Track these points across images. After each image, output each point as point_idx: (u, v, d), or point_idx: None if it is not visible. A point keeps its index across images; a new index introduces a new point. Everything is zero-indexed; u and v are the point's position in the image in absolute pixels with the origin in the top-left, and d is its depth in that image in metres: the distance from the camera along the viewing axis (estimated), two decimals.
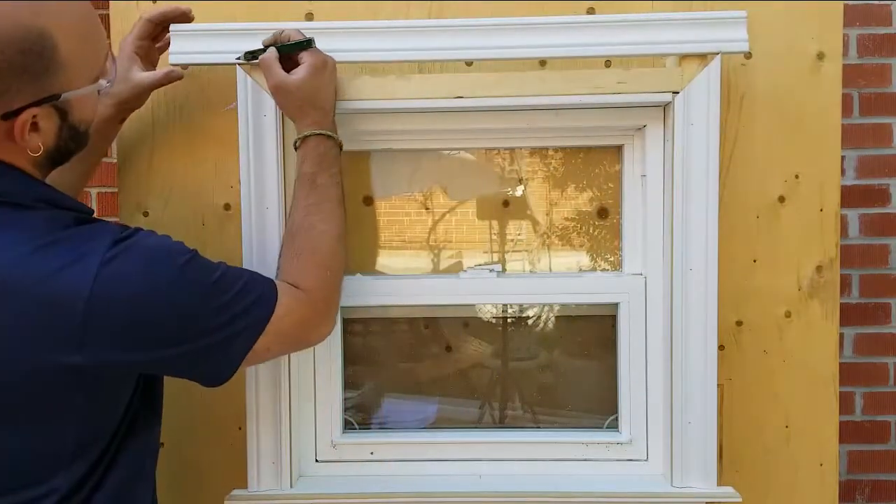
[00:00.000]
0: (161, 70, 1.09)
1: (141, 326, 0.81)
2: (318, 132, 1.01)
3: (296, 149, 1.03)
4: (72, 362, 0.78)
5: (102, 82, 0.85)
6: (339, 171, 1.03)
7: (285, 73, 1.00)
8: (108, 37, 1.19)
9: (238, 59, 1.06)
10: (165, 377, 0.96)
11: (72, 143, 0.86)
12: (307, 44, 1.02)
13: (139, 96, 1.10)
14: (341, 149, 1.05)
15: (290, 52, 1.02)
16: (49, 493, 0.81)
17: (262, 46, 1.03)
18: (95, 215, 0.89)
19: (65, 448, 0.82)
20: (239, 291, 0.89)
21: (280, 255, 1.01)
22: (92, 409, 0.82)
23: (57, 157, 0.86)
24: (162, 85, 1.10)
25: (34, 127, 0.80)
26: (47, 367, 0.78)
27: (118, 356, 0.80)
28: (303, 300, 0.95)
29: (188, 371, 0.90)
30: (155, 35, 1.12)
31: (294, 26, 1.05)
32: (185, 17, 1.12)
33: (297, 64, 1.02)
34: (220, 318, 0.86)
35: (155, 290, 0.81)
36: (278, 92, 1.01)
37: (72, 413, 0.81)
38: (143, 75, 1.08)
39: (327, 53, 1.04)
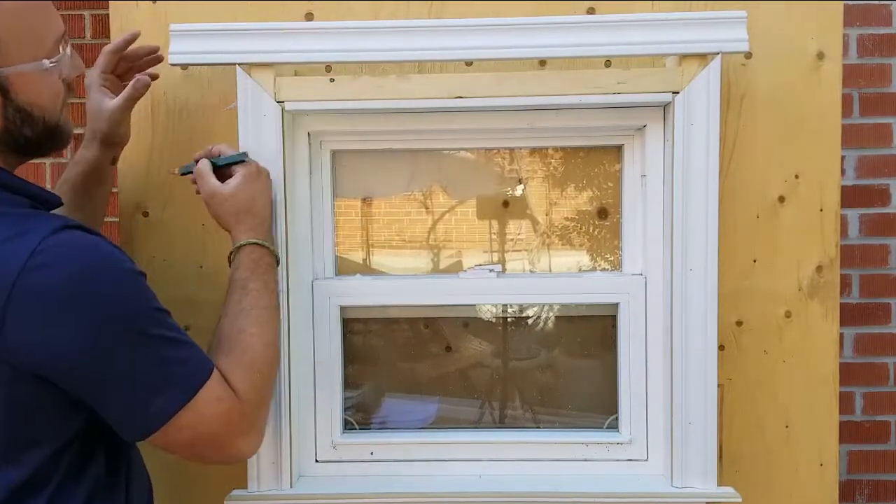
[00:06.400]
0: (126, 89, 1.06)
1: (66, 316, 0.75)
2: (252, 241, 0.99)
3: (230, 260, 1.00)
4: None
5: (45, 62, 0.83)
6: (272, 280, 1.00)
7: (219, 182, 1.00)
8: (108, 37, 1.20)
9: (173, 172, 1.06)
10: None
11: (26, 128, 0.84)
12: (241, 157, 1.01)
13: (117, 125, 1.07)
14: (278, 262, 1.04)
15: (224, 165, 1.02)
16: None
17: (189, 164, 1.03)
18: None
19: None
20: (179, 340, 0.83)
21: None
22: (17, 410, 0.78)
23: (12, 141, 0.84)
24: (135, 99, 1.06)
25: None
26: None
27: (33, 349, 0.75)
28: (232, 396, 0.87)
29: (101, 403, 0.81)
30: (120, 72, 1.10)
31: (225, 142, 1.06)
32: (152, 56, 1.11)
33: (230, 176, 1.01)
34: (153, 349, 0.80)
35: (92, 279, 0.77)
36: (213, 200, 1.00)
37: None
38: (112, 101, 1.06)
39: (260, 166, 1.04)
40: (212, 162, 1.02)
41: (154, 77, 1.10)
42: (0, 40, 0.79)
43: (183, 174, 1.05)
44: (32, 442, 0.80)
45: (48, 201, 0.86)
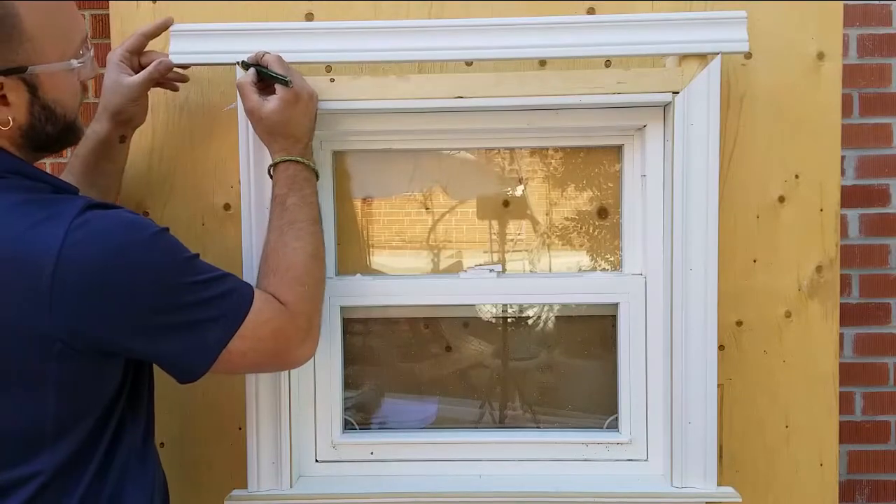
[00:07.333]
0: (148, 67, 1.07)
1: (111, 288, 0.79)
2: (286, 158, 1.01)
3: (270, 176, 1.04)
4: (43, 326, 0.77)
5: (73, 62, 0.86)
6: (311, 192, 1.03)
7: (259, 100, 1.00)
8: (108, 36, 1.20)
9: (238, 63, 1.06)
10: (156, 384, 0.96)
11: (49, 125, 0.86)
12: (283, 80, 1.01)
13: (133, 102, 1.07)
14: (317, 175, 1.05)
15: (267, 78, 1.02)
16: (32, 475, 0.81)
17: (245, 60, 1.03)
18: None
19: (43, 424, 0.81)
20: (213, 278, 0.88)
21: (257, 277, 1.00)
22: (68, 385, 0.81)
23: (35, 137, 0.86)
24: (153, 80, 1.08)
25: (3, 100, 0.82)
26: (21, 331, 0.78)
27: (87, 323, 0.79)
28: (282, 311, 0.94)
29: (161, 354, 0.86)
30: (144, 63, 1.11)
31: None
32: (177, 75, 1.13)
33: (274, 89, 1.02)
34: (192, 295, 0.85)
35: (126, 251, 0.80)
36: (250, 117, 1.03)
37: (47, 385, 0.80)
38: (131, 77, 1.07)
39: (304, 85, 1.03)
40: (257, 70, 1.02)
41: (184, 79, 1.14)
42: (35, 38, 0.81)
43: (246, 68, 1.04)
44: (80, 415, 0.84)
45: (67, 190, 0.88)
